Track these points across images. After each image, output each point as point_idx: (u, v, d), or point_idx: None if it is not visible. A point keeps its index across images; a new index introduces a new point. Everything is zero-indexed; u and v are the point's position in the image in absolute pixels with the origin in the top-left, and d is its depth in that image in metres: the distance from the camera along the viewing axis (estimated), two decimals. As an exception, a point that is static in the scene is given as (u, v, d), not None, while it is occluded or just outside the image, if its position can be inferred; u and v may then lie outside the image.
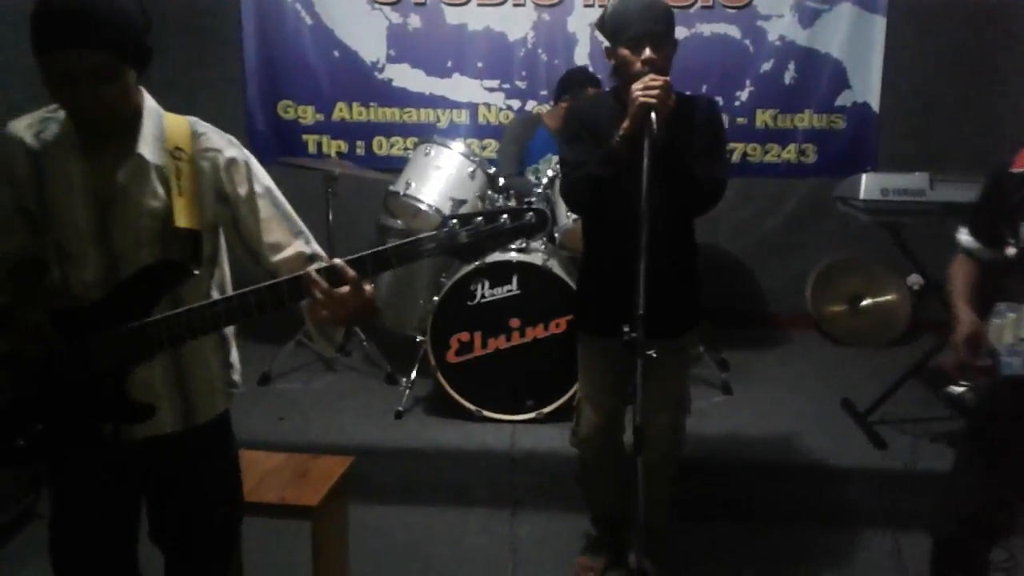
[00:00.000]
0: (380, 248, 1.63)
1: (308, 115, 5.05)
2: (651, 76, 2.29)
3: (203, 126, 1.80)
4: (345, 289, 1.61)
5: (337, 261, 1.63)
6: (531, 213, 1.63)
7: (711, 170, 2.45)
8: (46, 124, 1.72)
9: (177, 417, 1.82)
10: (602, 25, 2.49)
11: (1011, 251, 2.09)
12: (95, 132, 1.67)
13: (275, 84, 5.03)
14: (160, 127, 1.73)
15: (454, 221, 1.60)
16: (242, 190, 1.79)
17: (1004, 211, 2.10)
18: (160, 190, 1.71)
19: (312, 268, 1.62)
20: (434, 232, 1.61)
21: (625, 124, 2.33)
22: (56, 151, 1.69)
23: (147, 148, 1.70)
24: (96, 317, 1.69)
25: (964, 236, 2.25)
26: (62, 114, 1.70)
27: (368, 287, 1.65)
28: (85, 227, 1.70)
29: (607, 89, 2.75)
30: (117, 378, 1.71)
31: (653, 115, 2.24)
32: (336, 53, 4.98)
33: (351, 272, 1.61)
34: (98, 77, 1.56)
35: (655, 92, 2.25)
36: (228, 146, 1.79)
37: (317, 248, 1.86)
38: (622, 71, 2.43)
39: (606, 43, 2.48)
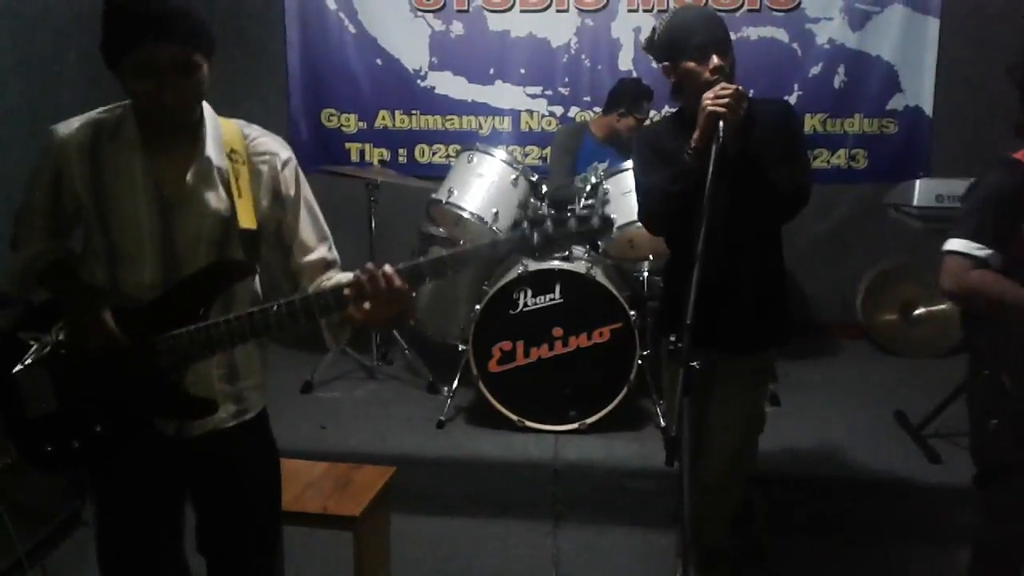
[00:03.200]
0: (459, 249, 1.70)
1: (351, 123, 5.07)
2: (722, 85, 2.24)
3: (251, 128, 1.85)
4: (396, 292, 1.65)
5: (388, 268, 1.64)
6: (596, 218, 1.70)
7: (791, 175, 2.36)
8: (101, 125, 1.74)
9: (231, 412, 1.86)
10: (652, 46, 2.43)
11: None
12: (171, 128, 1.71)
13: (318, 92, 5.07)
14: (218, 129, 1.78)
15: (525, 225, 1.69)
16: (292, 191, 1.84)
17: None
18: (223, 192, 1.75)
19: (380, 269, 1.64)
20: (510, 235, 1.72)
21: (696, 136, 2.26)
22: (117, 151, 1.71)
23: (212, 150, 1.74)
24: (154, 316, 1.71)
25: (980, 251, 2.11)
26: (117, 114, 1.74)
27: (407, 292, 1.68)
28: (148, 227, 1.72)
29: (667, 106, 2.69)
30: (177, 376, 1.74)
31: (721, 124, 2.18)
32: (379, 61, 5.01)
33: (398, 281, 1.64)
34: (179, 70, 1.61)
35: (725, 101, 2.20)
36: (281, 148, 1.85)
37: (336, 255, 1.92)
38: (689, 85, 2.36)
39: (657, 63, 2.43)
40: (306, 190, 1.87)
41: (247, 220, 1.74)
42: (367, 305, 1.66)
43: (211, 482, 1.89)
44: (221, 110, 1.85)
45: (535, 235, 1.69)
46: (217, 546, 1.94)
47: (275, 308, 1.68)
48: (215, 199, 1.74)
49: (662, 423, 3.63)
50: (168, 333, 1.70)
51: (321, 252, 1.87)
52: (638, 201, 2.60)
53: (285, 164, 1.83)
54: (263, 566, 1.97)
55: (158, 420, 1.78)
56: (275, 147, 1.84)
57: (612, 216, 1.82)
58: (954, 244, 2.14)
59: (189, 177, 1.72)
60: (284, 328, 1.70)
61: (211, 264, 1.75)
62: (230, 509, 1.91)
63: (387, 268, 1.63)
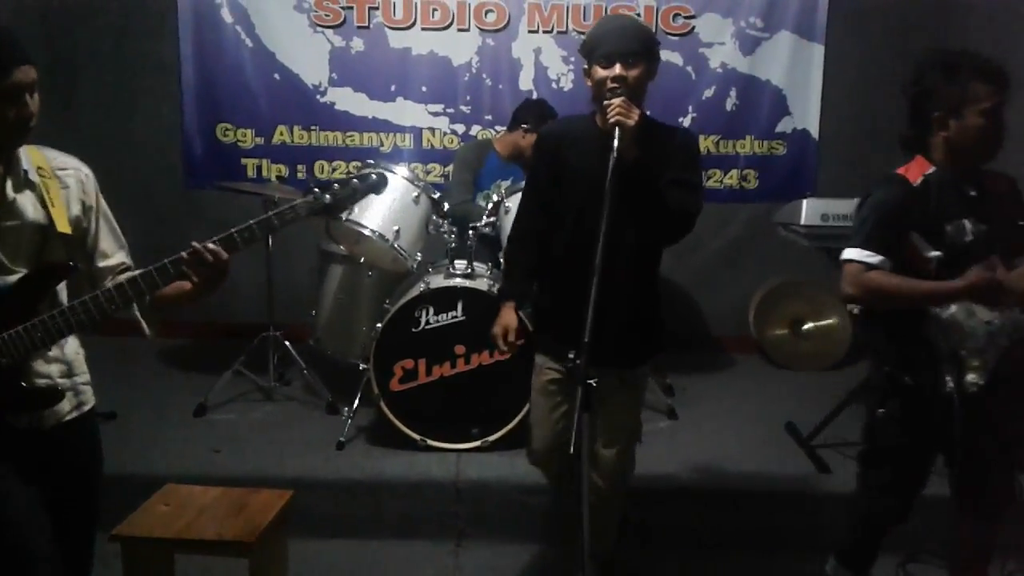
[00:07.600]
0: (263, 216, 1.99)
1: (248, 138, 4.97)
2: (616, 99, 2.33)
3: (48, 150, 2.03)
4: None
5: (210, 244, 1.93)
6: (374, 175, 2.10)
7: (681, 200, 2.44)
8: None
9: (73, 404, 2.06)
10: (582, 47, 2.51)
11: (934, 254, 2.31)
12: (17, 143, 1.90)
13: (214, 107, 4.95)
14: (24, 150, 1.96)
15: (317, 189, 2.04)
16: (93, 201, 2.07)
17: (923, 221, 2.33)
18: (39, 204, 1.94)
19: (208, 241, 1.94)
20: (306, 199, 2.03)
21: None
22: None
23: (28, 168, 1.94)
24: None
25: (872, 258, 2.34)
26: None
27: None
28: None
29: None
30: (18, 373, 1.92)
31: (616, 134, 2.26)
32: (277, 76, 4.93)
33: (224, 254, 1.94)
34: (32, 89, 1.85)
35: (618, 109, 2.30)
36: (79, 164, 2.07)
37: (131, 263, 2.14)
38: (595, 90, 2.45)
39: (585, 65, 2.50)
40: (103, 203, 2.09)
41: (63, 226, 1.95)
42: (195, 277, 1.94)
43: (61, 470, 2.05)
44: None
45: (326, 196, 2.03)
46: (67, 530, 2.06)
47: (103, 295, 1.91)
48: (32, 209, 1.93)
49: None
50: (4, 332, 1.86)
51: (120, 257, 2.12)
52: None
53: (87, 177, 2.06)
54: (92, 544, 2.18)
55: (10, 415, 1.93)
56: (75, 163, 2.06)
57: (386, 174, 2.17)
58: (849, 253, 2.39)
59: (9, 190, 1.90)
60: (113, 311, 1.92)
61: (38, 266, 1.94)
62: (77, 494, 2.10)
63: (209, 244, 1.93)
